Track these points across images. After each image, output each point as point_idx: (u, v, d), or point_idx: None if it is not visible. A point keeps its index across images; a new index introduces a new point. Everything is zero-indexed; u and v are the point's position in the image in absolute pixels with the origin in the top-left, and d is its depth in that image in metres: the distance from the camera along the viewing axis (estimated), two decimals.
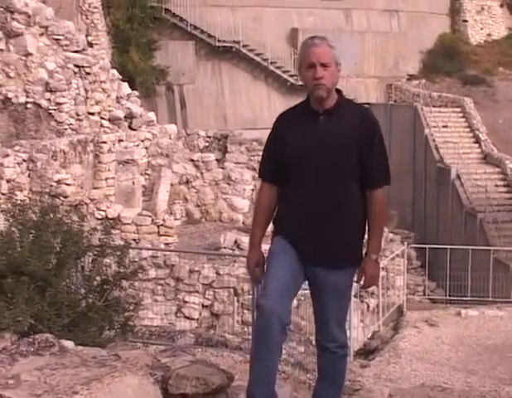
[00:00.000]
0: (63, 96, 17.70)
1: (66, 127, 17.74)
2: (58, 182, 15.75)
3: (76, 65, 18.63)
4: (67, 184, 15.95)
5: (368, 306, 15.62)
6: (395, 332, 14.60)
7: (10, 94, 16.87)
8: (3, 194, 13.83)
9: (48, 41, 18.35)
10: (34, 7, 18.17)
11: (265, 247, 4.67)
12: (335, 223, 4.52)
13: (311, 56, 4.47)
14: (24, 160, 15.57)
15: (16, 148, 15.82)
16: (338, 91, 4.64)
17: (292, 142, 4.54)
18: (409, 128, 32.05)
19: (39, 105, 17.32)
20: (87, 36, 24.47)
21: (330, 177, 4.49)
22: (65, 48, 18.71)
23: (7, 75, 17.20)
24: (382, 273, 15.15)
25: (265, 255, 4.64)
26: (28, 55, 17.58)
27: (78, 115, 18.23)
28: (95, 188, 17.81)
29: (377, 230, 4.61)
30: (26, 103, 17.16)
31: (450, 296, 18.25)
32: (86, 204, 16.76)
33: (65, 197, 15.43)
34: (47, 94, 17.49)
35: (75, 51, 18.95)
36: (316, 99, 4.53)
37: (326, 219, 4.52)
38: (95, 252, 7.26)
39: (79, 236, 7.07)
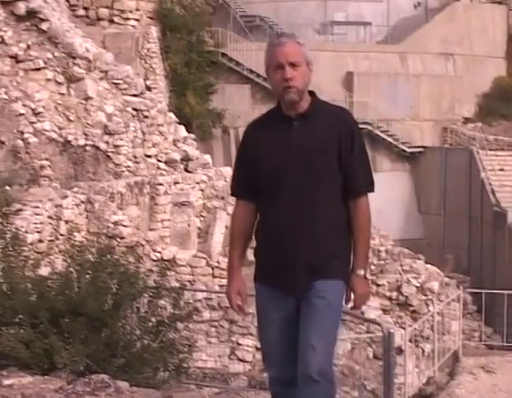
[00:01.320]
0: (121, 139, 18.01)
1: (124, 169, 18.01)
2: (115, 223, 15.98)
3: (134, 109, 18.96)
4: (124, 225, 16.17)
5: (423, 351, 15.47)
6: (451, 378, 14.38)
7: (70, 137, 17.22)
8: (62, 235, 14.06)
9: (107, 85, 18.73)
10: (95, 52, 18.60)
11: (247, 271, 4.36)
12: (316, 236, 4.09)
13: (279, 56, 4.07)
14: (82, 201, 15.84)
15: (75, 189, 16.11)
16: (311, 93, 4.24)
17: (263, 154, 4.13)
18: (465, 172, 31.79)
19: (97, 148, 17.64)
20: (145, 80, 24.89)
21: (308, 191, 4.08)
22: (123, 92, 19.06)
23: (67, 118, 17.58)
24: (437, 317, 15.01)
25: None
26: (88, 98, 17.96)
27: (135, 157, 18.51)
28: (151, 230, 18.00)
29: (362, 243, 4.17)
30: (85, 145, 17.49)
31: (507, 342, 17.95)
32: (142, 245, 16.94)
33: (122, 238, 15.65)
34: (106, 137, 17.82)
35: (134, 95, 19.29)
36: (288, 104, 4.13)
37: (306, 233, 4.09)
38: (151, 293, 7.35)
39: (135, 278, 7.18)
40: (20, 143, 16.27)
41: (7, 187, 14.81)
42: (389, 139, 32.11)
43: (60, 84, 17.74)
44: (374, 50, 34.10)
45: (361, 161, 4.16)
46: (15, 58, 17.04)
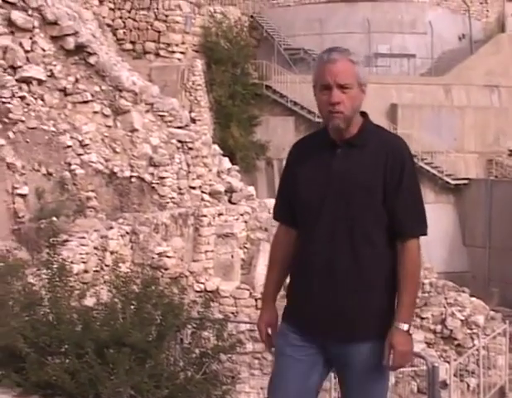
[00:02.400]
0: (166, 170, 18.19)
1: (168, 200, 18.17)
2: (159, 254, 16.10)
3: (179, 141, 19.15)
4: (168, 256, 16.29)
5: (468, 385, 15.28)
6: None
7: (116, 169, 17.44)
8: (107, 265, 14.22)
9: (153, 117, 18.96)
10: (141, 85, 18.87)
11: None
12: (356, 287, 3.60)
13: (327, 75, 3.56)
14: (127, 232, 16.00)
15: (120, 220, 16.28)
16: (363, 115, 3.73)
17: (302, 180, 3.71)
18: (510, 204, 31.47)
19: (143, 179, 17.83)
20: (190, 112, 25.15)
21: (347, 229, 3.59)
22: (168, 124, 19.28)
23: (113, 150, 17.83)
24: (483, 352, 14.84)
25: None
26: (134, 131, 18.20)
27: (180, 189, 18.66)
28: (195, 261, 18.08)
29: (408, 292, 3.59)
30: (131, 177, 17.69)
31: None
32: (186, 276, 17.03)
33: (166, 270, 15.77)
34: (151, 169, 18.01)
35: (179, 127, 19.50)
36: (333, 129, 3.65)
37: (344, 283, 3.60)
38: (195, 325, 7.40)
39: (179, 309, 7.23)
40: (67, 174, 16.52)
41: (54, 218, 15.04)
42: (433, 171, 31.92)
43: (106, 116, 18.02)
44: (418, 82, 34.01)
45: (411, 199, 3.64)
46: (63, 91, 17.35)
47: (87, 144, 17.16)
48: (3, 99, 15.96)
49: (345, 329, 3.64)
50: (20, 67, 16.67)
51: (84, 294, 7.78)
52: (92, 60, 17.95)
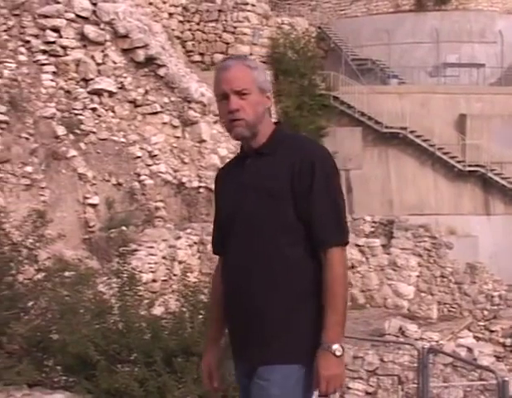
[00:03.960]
0: None
1: None
2: None
3: None
4: None
5: None
6: None
7: (184, 179, 17.64)
8: (175, 275, 14.38)
9: (221, 128, 19.12)
10: (209, 96, 19.05)
11: None
12: (263, 311, 3.23)
13: (223, 83, 3.31)
14: (195, 242, 16.15)
15: (188, 230, 16.44)
16: (277, 124, 3.44)
17: (221, 200, 3.46)
18: None
19: (210, 190, 17.98)
20: None
21: (256, 244, 3.26)
22: None
23: (182, 160, 18.04)
24: None
25: None
26: (202, 141, 18.39)
27: None
28: None
29: (332, 309, 3.18)
30: (199, 187, 17.86)
31: None
32: None
33: None
34: None
35: None
36: (236, 139, 3.38)
37: (253, 303, 3.25)
38: None
39: None
40: (136, 184, 16.77)
41: (124, 228, 15.27)
42: (503, 182, 31.43)
43: (175, 127, 18.24)
44: (487, 91, 33.56)
45: (327, 205, 3.24)
46: (133, 103, 17.64)
47: (156, 155, 17.40)
48: (75, 111, 16.31)
49: (256, 351, 3.29)
50: (92, 79, 17.02)
51: (153, 303, 7.87)
52: (161, 72, 18.21)
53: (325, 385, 3.17)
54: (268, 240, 3.25)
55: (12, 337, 7.27)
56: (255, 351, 3.27)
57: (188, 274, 9.65)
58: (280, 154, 3.31)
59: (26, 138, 15.25)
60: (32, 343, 7.37)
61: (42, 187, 14.97)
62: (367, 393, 14.16)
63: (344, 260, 3.26)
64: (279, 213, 3.24)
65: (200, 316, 7.19)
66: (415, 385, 11.11)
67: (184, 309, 7.31)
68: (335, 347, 3.16)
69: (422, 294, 20.81)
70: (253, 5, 28.61)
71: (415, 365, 11.16)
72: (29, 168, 14.83)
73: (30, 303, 7.86)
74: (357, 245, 21.10)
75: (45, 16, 16.93)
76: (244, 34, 28.35)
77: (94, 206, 15.80)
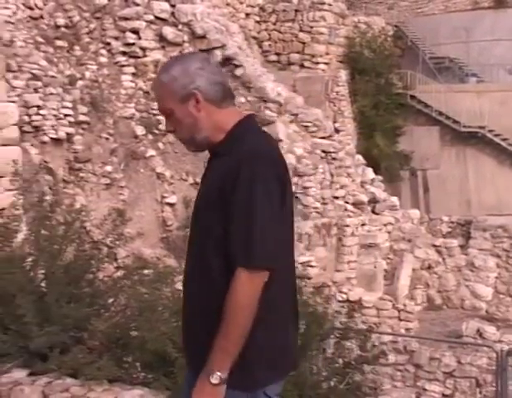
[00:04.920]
0: (310, 180, 18.32)
1: (312, 210, 18.28)
2: (303, 263, 16.23)
3: (323, 151, 19.25)
4: (311, 266, 16.40)
5: None
6: None
7: None
8: None
9: (297, 127, 19.15)
10: (286, 96, 19.11)
11: None
12: (188, 324, 3.16)
13: None
14: None
15: None
16: (239, 123, 3.12)
17: None
18: None
19: None
20: (334, 122, 25.22)
21: (194, 250, 3.13)
22: (312, 134, 19.42)
23: None
24: None
25: None
26: (278, 141, 18.44)
27: (323, 199, 18.75)
28: (338, 271, 18.12)
29: (223, 333, 2.93)
30: None
31: None
32: (328, 286, 17.09)
33: (309, 279, 15.86)
34: (295, 179, 18.18)
35: (323, 137, 19.61)
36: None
37: (185, 317, 3.19)
38: (338, 335, 7.43)
39: (323, 318, 7.27)
40: None
41: None
42: None
43: None
44: None
45: (242, 218, 2.90)
46: None
47: None
48: (154, 111, 16.53)
49: (191, 358, 3.22)
50: None
51: None
52: (238, 72, 18.32)
53: None
54: (199, 248, 3.08)
55: (92, 334, 7.42)
56: (191, 358, 3.23)
57: None
58: (221, 161, 3.06)
59: (106, 138, 15.53)
60: (112, 340, 7.51)
61: (121, 186, 15.23)
62: (444, 395, 14.00)
63: (250, 285, 2.91)
64: (208, 222, 3.02)
65: None
66: (493, 389, 10.96)
67: None
68: (213, 374, 2.96)
69: (501, 296, 20.48)
70: (330, 4, 28.54)
71: (493, 367, 11.01)
72: (109, 168, 15.10)
73: (110, 300, 8.00)
74: (434, 246, 20.90)
75: (125, 19, 17.23)
76: (321, 33, 28.30)
77: (171, 205, 16.00)
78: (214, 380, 2.95)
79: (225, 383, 2.98)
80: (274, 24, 28.60)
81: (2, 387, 6.66)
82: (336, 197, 19.34)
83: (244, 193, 2.90)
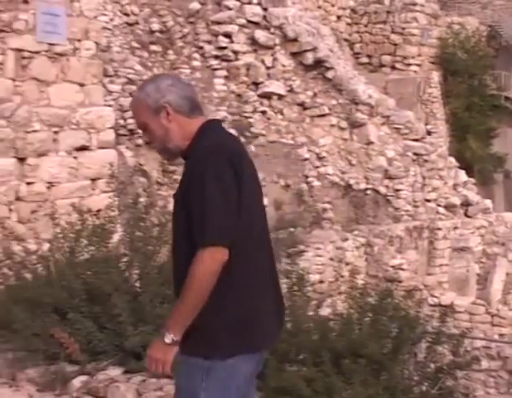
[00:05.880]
0: (401, 183, 18.19)
1: (403, 213, 18.15)
2: (394, 266, 16.13)
3: (415, 153, 19.09)
4: (402, 269, 16.29)
5: None
6: None
7: (351, 181, 17.69)
8: (342, 276, 14.45)
9: (388, 130, 19.04)
10: (377, 98, 19.02)
11: None
12: (177, 293, 3.51)
13: None
14: (362, 244, 16.18)
15: (355, 232, 16.49)
16: (206, 123, 3.58)
17: None
18: None
19: (377, 192, 17.94)
20: (426, 124, 24.96)
21: (173, 242, 3.59)
22: (404, 137, 19.27)
23: (349, 162, 18.09)
24: None
25: None
26: (369, 143, 18.37)
27: (415, 202, 18.59)
28: (429, 274, 17.94)
29: (180, 300, 3.36)
30: (366, 189, 17.86)
31: None
32: (420, 290, 16.92)
33: (400, 282, 15.76)
34: (386, 181, 18.09)
35: (414, 140, 19.44)
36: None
37: (175, 293, 3.56)
38: (430, 339, 7.36)
39: (415, 322, 7.22)
40: (304, 186, 16.96)
41: (292, 229, 15.49)
42: None
43: (343, 129, 18.32)
44: None
45: (197, 205, 3.33)
46: (302, 105, 17.85)
47: (324, 157, 17.54)
48: (246, 114, 16.69)
49: None
50: (261, 83, 17.36)
51: (321, 304, 7.95)
52: (329, 74, 18.34)
53: (148, 363, 3.44)
54: (176, 237, 3.51)
55: None
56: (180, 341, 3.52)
57: (356, 276, 9.66)
58: (190, 156, 3.48)
59: None
60: None
61: None
62: None
63: (205, 261, 3.30)
64: (179, 214, 3.46)
65: (368, 318, 7.21)
66: None
67: (352, 311, 7.35)
68: (167, 334, 3.36)
69: None
70: (422, 5, 28.24)
71: None
72: None
73: None
74: None
75: (218, 23, 17.44)
76: (413, 35, 28.03)
77: None
78: (167, 339, 3.36)
79: (177, 344, 3.38)
80: (366, 26, 28.47)
81: (98, 384, 6.85)
82: (428, 200, 19.14)
83: (197, 183, 3.33)
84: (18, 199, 10.50)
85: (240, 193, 3.41)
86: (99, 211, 9.79)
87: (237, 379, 3.46)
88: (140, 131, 3.65)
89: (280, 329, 3.75)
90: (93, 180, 11.34)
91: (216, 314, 3.39)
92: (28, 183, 10.66)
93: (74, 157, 11.09)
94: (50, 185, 10.83)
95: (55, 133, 10.83)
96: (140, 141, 14.13)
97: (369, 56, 28.35)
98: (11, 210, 10.43)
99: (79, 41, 11.13)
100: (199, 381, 3.39)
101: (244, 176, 3.46)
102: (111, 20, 15.48)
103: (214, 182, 3.33)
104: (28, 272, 8.04)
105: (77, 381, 7.15)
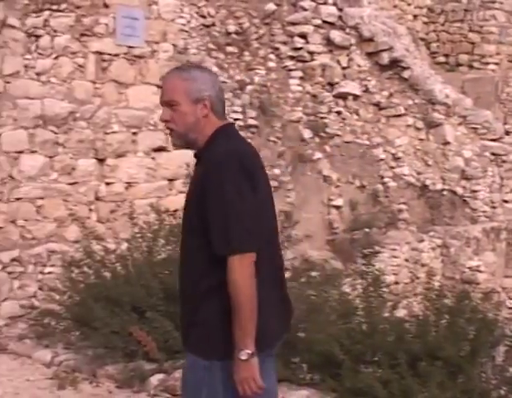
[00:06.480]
0: (478, 184, 17.94)
1: (480, 214, 17.90)
2: (470, 268, 15.93)
3: (493, 154, 18.80)
4: (479, 271, 16.07)
5: None
6: None
7: (427, 182, 17.52)
8: (417, 278, 14.34)
9: (465, 130, 18.79)
10: (454, 98, 18.79)
11: None
12: (182, 302, 3.66)
13: (160, 94, 3.59)
14: (438, 246, 16.02)
15: (431, 233, 16.33)
16: (220, 129, 3.63)
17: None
18: None
19: (454, 192, 17.73)
20: (504, 124, 24.51)
21: (183, 244, 3.67)
22: (481, 137, 19.00)
23: (425, 163, 17.92)
24: None
25: None
26: (446, 143, 18.16)
27: (492, 203, 18.31)
28: (507, 277, 17.64)
29: (236, 317, 3.38)
30: (442, 190, 17.67)
31: None
32: (498, 292, 16.67)
33: (477, 284, 15.55)
34: (463, 182, 17.86)
35: (492, 140, 19.15)
36: (174, 147, 3.86)
37: (181, 297, 3.69)
38: (509, 342, 7.27)
39: (493, 325, 7.14)
40: (379, 187, 16.87)
41: (367, 230, 15.43)
42: None
43: (419, 129, 18.15)
44: None
45: (217, 214, 3.38)
46: (377, 106, 17.75)
47: (399, 157, 17.41)
48: (321, 115, 16.67)
49: (184, 338, 3.75)
50: (337, 83, 17.32)
51: (397, 306, 7.93)
52: (406, 74, 18.20)
53: (240, 388, 3.43)
54: (188, 238, 3.59)
55: None
56: (184, 338, 3.71)
57: (432, 277, 9.59)
58: (205, 159, 3.51)
59: (274, 142, 15.80)
60: None
61: (289, 189, 15.44)
62: None
63: (239, 268, 3.36)
64: (192, 217, 3.50)
65: (445, 320, 7.16)
66: None
67: (428, 313, 7.31)
68: (240, 352, 3.40)
69: None
70: (501, 2, 27.75)
71: None
72: (277, 171, 15.35)
73: None
74: None
75: (294, 24, 17.44)
76: (491, 33, 27.57)
77: (338, 207, 16.07)
78: (242, 356, 3.41)
79: (254, 356, 3.44)
80: (443, 25, 28.11)
81: (175, 382, 6.95)
82: (506, 201, 18.82)
83: (217, 196, 3.36)
84: (98, 199, 10.72)
85: (257, 198, 3.49)
86: (175, 211, 9.94)
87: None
88: (161, 103, 3.60)
89: (286, 328, 3.84)
90: (170, 180, 11.51)
91: (221, 316, 3.49)
92: (107, 183, 10.88)
93: (152, 158, 11.28)
94: (129, 185, 11.04)
95: (134, 134, 11.05)
96: None
97: (445, 56, 27.97)
98: (91, 210, 10.67)
99: (156, 43, 11.32)
100: (202, 376, 3.52)
101: (260, 181, 3.56)
102: (188, 22, 15.63)
103: (235, 190, 3.38)
104: (107, 271, 8.22)
105: (154, 379, 7.28)
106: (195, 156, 3.69)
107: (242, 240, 3.39)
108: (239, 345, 3.41)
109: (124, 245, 9.03)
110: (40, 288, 10.10)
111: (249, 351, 3.43)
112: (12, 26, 10.02)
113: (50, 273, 10.12)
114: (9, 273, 9.99)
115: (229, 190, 3.37)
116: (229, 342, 3.46)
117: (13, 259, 10.02)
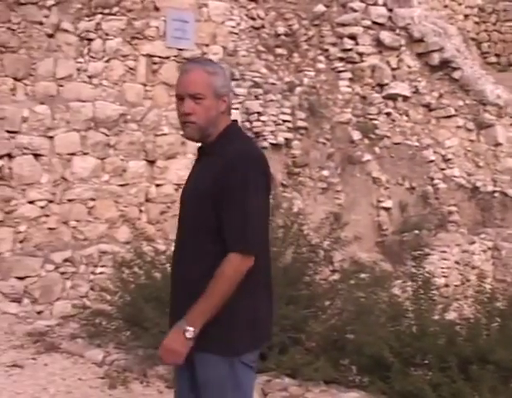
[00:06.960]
0: None
1: None
2: None
3: None
4: None
5: None
6: None
7: (478, 183, 17.35)
8: (468, 280, 14.21)
9: None
10: (506, 98, 18.57)
11: None
12: (186, 290, 3.57)
13: (180, 86, 3.57)
14: (489, 248, 15.85)
15: (482, 235, 16.17)
16: (231, 123, 3.68)
17: (181, 196, 3.81)
18: None
19: (505, 194, 17.52)
20: None
21: (185, 233, 3.62)
22: None
23: (476, 164, 17.75)
24: None
25: None
26: (498, 145, 17.97)
27: None
28: None
29: (205, 297, 3.40)
30: (494, 192, 17.48)
31: None
32: None
33: None
34: None
35: None
36: (187, 139, 3.71)
37: (179, 294, 3.64)
38: None
39: None
40: (429, 188, 16.75)
41: (417, 231, 15.33)
42: None
43: (469, 130, 17.98)
44: None
45: (234, 211, 3.42)
46: (427, 107, 17.63)
47: (450, 159, 17.27)
48: (370, 116, 16.61)
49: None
50: (386, 84, 17.24)
51: (447, 308, 7.87)
52: (456, 75, 18.04)
53: (164, 353, 3.49)
54: (191, 233, 3.57)
55: (309, 335, 7.62)
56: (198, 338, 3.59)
57: (483, 280, 9.49)
58: (215, 157, 3.52)
59: (323, 143, 15.78)
60: (329, 342, 7.67)
61: (338, 191, 15.42)
62: None
63: (237, 266, 3.42)
64: (200, 212, 3.50)
65: (496, 323, 7.09)
66: None
67: (479, 316, 7.24)
68: (189, 328, 3.43)
69: None
70: None
71: None
72: (325, 172, 15.34)
73: (326, 303, 8.17)
74: None
75: (343, 25, 17.40)
76: None
77: (387, 209, 16.00)
78: (189, 334, 3.42)
79: (194, 339, 3.45)
80: (494, 24, 27.80)
81: None
82: None
83: (237, 195, 3.40)
84: (148, 200, 10.82)
85: (267, 201, 3.61)
86: None
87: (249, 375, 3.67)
88: (182, 95, 3.60)
89: (271, 325, 3.86)
90: None
91: (237, 317, 3.53)
92: (157, 185, 10.97)
93: None
94: (178, 187, 11.11)
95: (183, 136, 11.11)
96: (265, 143, 14.29)
97: (497, 56, 27.65)
98: (141, 211, 10.77)
99: (206, 45, 11.38)
100: (225, 373, 3.53)
101: (270, 186, 3.64)
102: (237, 24, 15.68)
103: (255, 192, 3.46)
104: (157, 271, 8.27)
105: None
106: (200, 149, 3.75)
107: (255, 243, 3.49)
108: (190, 320, 3.45)
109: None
110: (91, 289, 10.24)
111: (195, 330, 3.45)
112: (66, 30, 10.17)
113: (101, 273, 10.25)
114: (61, 273, 10.15)
115: (252, 190, 3.44)
116: (247, 339, 3.57)
117: (65, 260, 10.17)
